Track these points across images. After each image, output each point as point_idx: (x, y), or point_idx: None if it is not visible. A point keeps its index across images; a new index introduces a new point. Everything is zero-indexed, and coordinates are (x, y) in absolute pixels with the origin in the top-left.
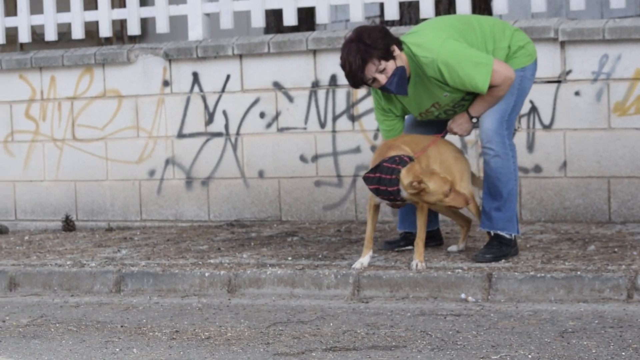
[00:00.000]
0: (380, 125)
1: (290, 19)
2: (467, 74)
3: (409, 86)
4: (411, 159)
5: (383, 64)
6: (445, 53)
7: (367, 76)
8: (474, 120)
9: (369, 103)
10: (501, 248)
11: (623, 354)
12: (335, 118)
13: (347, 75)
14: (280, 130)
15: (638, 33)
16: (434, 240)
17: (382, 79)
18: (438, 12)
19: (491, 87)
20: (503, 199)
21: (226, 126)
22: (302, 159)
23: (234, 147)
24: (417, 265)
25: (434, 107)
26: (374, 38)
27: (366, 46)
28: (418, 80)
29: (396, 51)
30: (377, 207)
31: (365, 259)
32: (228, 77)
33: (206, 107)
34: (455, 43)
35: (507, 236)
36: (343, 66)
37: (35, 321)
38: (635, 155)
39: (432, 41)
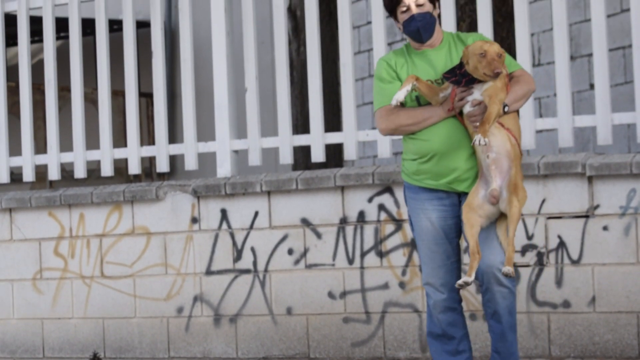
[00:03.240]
0: (388, 90)
1: (318, 155)
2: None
3: (435, 50)
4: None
5: (425, 1)
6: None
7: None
8: (506, 109)
9: (397, 239)
10: None
11: None
12: (363, 254)
13: None
14: (309, 266)
15: None
16: None
17: (415, 10)
18: None
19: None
20: (510, 334)
21: (254, 263)
22: (331, 295)
23: (262, 284)
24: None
25: (436, 83)
26: None
27: None
28: (446, 51)
29: (437, 9)
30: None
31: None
32: (256, 213)
33: (234, 243)
34: None
35: None
36: None
37: None
38: None
39: None
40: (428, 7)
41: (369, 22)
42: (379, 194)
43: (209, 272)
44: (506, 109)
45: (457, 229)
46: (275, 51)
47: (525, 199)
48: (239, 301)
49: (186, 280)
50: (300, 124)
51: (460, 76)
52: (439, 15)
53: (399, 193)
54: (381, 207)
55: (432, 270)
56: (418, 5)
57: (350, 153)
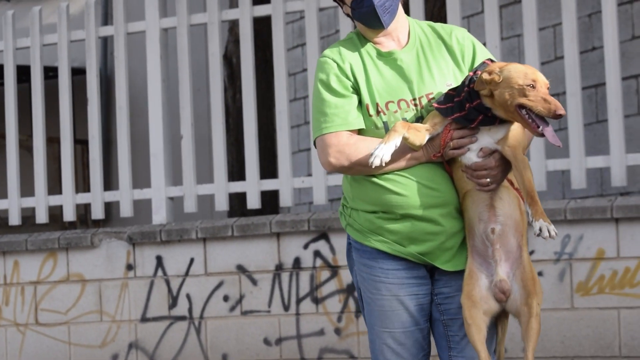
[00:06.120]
0: (342, 109)
1: (253, 202)
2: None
3: (401, 51)
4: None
5: None
6: None
7: None
8: None
9: (333, 286)
10: None
11: None
12: (299, 301)
13: None
14: (244, 313)
15: (599, 213)
16: None
17: None
18: None
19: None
20: None
21: (190, 310)
22: (266, 341)
23: (198, 331)
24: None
25: (413, 104)
26: None
27: None
28: (418, 51)
29: None
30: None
31: None
32: (192, 260)
33: (170, 290)
34: None
35: None
36: None
37: None
38: (599, 335)
39: None
40: None
41: (305, 70)
42: (314, 240)
43: (144, 319)
44: None
45: (428, 310)
46: (210, 98)
47: (542, 295)
48: (175, 348)
49: (121, 327)
50: (236, 171)
51: (473, 111)
52: None
53: (335, 239)
54: (317, 254)
55: None
56: None
57: (285, 200)
